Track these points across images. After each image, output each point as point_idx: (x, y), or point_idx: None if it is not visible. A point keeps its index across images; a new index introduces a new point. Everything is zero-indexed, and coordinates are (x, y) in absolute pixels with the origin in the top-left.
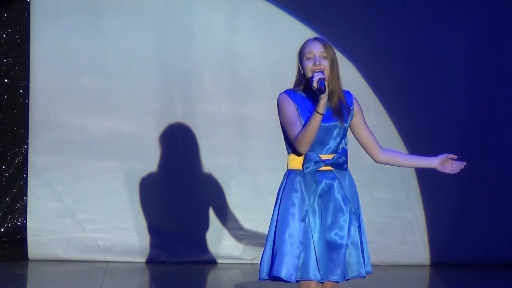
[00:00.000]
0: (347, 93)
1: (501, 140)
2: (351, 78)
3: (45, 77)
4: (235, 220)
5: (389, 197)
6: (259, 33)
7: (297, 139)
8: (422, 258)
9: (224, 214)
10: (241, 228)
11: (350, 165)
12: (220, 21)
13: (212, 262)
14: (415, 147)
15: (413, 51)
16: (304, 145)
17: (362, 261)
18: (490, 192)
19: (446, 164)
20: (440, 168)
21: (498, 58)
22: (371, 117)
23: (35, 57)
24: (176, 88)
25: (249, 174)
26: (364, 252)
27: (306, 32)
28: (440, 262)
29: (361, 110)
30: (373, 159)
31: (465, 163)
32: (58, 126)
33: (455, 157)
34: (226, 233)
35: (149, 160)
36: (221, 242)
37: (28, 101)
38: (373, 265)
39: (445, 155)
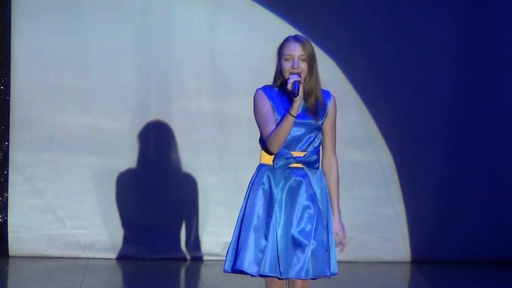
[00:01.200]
0: (326, 94)
1: (483, 137)
2: (332, 75)
3: (26, 73)
4: (216, 216)
5: (370, 194)
6: (240, 29)
7: (269, 138)
8: (403, 255)
9: (205, 211)
10: (221, 224)
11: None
12: (201, 18)
13: (193, 258)
14: (396, 145)
15: (395, 47)
16: (275, 146)
17: (327, 261)
18: (471, 189)
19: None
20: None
21: (481, 54)
22: (352, 114)
23: (16, 54)
24: (156, 85)
25: (230, 170)
26: (331, 252)
27: (287, 29)
28: (421, 259)
29: (335, 113)
30: None
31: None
32: (39, 123)
33: (340, 240)
34: (207, 230)
35: (131, 156)
36: (202, 239)
37: (9, 97)
38: (354, 262)
39: (337, 230)
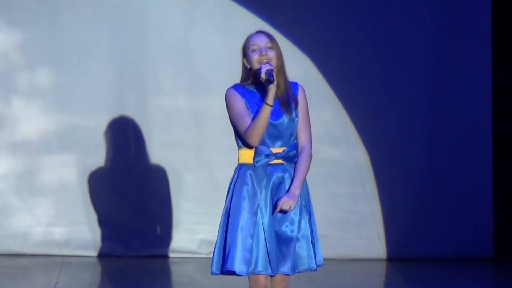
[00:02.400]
0: (294, 85)
1: (458, 135)
2: (307, 72)
3: (0, 69)
4: (191, 213)
5: (345, 191)
6: (215, 26)
7: (248, 132)
8: (379, 252)
9: (181, 208)
10: (197, 222)
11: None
12: (176, 14)
13: (169, 256)
14: (372, 142)
15: (371, 44)
16: (255, 138)
17: (312, 254)
18: (446, 187)
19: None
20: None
21: (458, 52)
22: (328, 112)
23: None
24: (132, 82)
25: (206, 168)
26: (316, 245)
27: (262, 26)
28: (397, 256)
29: (305, 102)
30: None
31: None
32: (15, 120)
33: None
34: (182, 227)
35: (106, 154)
36: (177, 236)
37: None
38: (329, 259)
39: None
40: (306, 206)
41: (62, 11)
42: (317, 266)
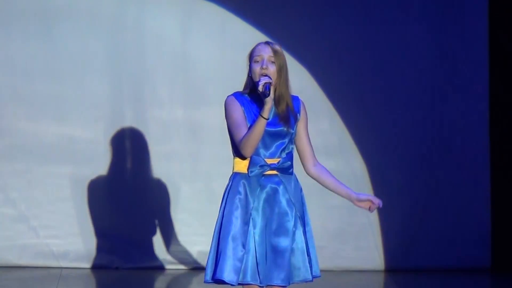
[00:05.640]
0: (295, 99)
1: (457, 146)
2: (304, 82)
3: None
4: (188, 225)
5: (343, 202)
6: (212, 38)
7: (242, 142)
8: (376, 264)
9: (178, 220)
10: (194, 233)
11: (304, 171)
12: (173, 26)
13: (166, 268)
14: (369, 153)
15: (368, 55)
16: (248, 149)
17: (308, 265)
18: (445, 197)
19: (365, 204)
20: (356, 204)
21: (454, 64)
22: (325, 123)
23: None
24: (129, 93)
25: (203, 179)
26: (311, 256)
27: (259, 37)
28: (394, 268)
29: (306, 118)
30: (304, 169)
31: (379, 205)
32: (11, 132)
33: (378, 204)
34: (180, 239)
35: (103, 165)
36: (175, 248)
37: None
38: (327, 271)
39: (371, 198)
40: (301, 217)
41: (59, 23)
42: (313, 278)
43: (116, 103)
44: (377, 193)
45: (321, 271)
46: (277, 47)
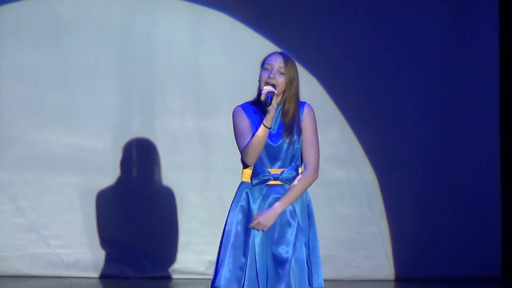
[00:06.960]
0: (301, 105)
1: (466, 155)
2: (314, 93)
3: (9, 92)
4: (199, 234)
5: (353, 212)
6: (222, 48)
7: (244, 150)
8: (387, 273)
9: (188, 229)
10: (205, 243)
11: (315, 181)
12: (184, 36)
13: (177, 277)
14: (380, 163)
15: (378, 65)
16: (250, 157)
17: (306, 277)
18: (454, 207)
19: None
20: None
21: (465, 71)
22: (335, 132)
23: None
24: (139, 103)
25: (213, 189)
26: (313, 268)
27: (269, 46)
28: (405, 277)
29: (311, 123)
30: None
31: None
32: (22, 141)
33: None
34: (190, 248)
35: (114, 175)
36: (185, 258)
37: None
38: (337, 280)
39: (256, 215)
40: (305, 229)
41: (69, 33)
42: None
43: (126, 113)
44: (387, 203)
45: (332, 280)
46: (289, 60)
